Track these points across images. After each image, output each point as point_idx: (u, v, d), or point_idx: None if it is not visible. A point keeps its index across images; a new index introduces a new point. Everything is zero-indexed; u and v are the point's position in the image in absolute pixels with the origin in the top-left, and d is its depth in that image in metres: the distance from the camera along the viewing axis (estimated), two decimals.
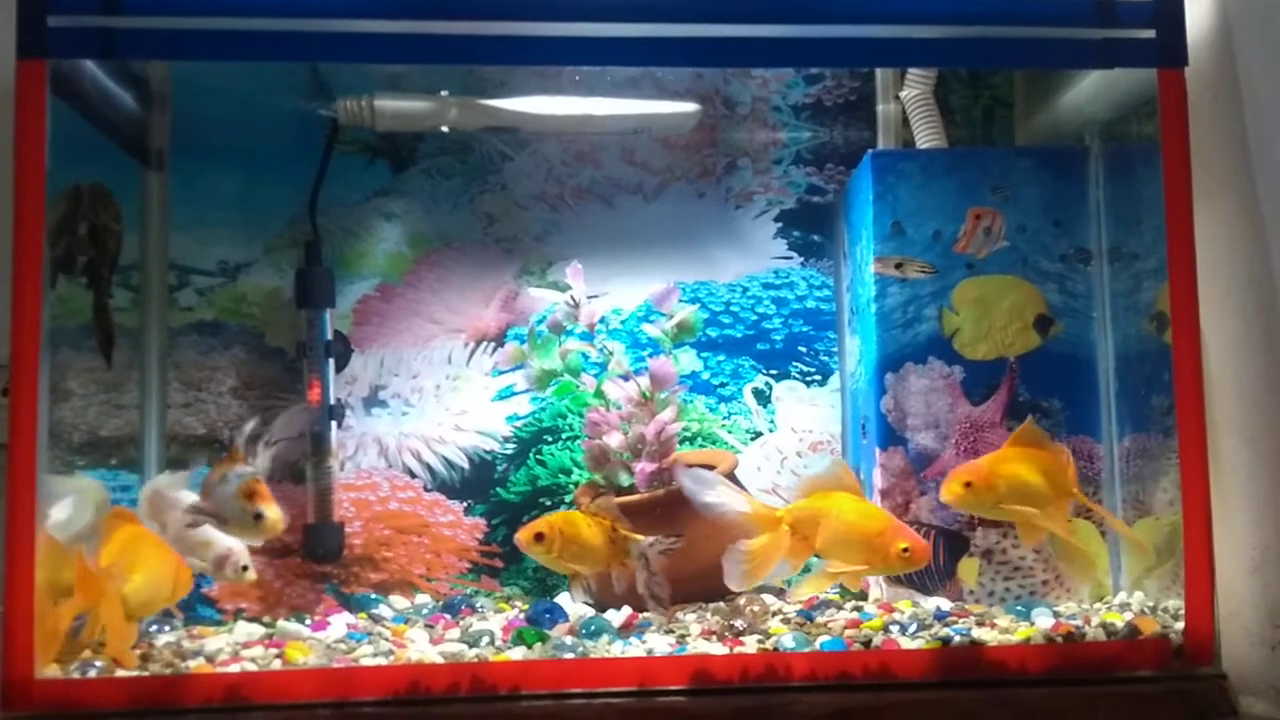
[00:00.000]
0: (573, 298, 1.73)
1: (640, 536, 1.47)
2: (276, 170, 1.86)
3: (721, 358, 1.93)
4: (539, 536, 1.45)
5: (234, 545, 1.50)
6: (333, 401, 1.79)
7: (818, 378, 1.93)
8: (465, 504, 1.87)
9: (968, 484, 1.40)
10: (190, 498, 1.48)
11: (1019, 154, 1.74)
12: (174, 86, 1.81)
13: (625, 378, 1.72)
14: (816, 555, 1.43)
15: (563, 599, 1.66)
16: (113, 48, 1.36)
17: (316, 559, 1.77)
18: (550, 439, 1.90)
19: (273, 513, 1.38)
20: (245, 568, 1.51)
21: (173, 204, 1.83)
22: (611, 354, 1.75)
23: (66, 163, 1.39)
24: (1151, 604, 1.55)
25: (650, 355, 1.79)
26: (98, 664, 1.33)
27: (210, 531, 1.47)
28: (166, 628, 1.57)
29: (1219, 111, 1.45)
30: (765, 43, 1.43)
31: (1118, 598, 1.62)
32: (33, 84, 1.30)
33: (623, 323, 1.91)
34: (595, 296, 1.73)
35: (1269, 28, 1.39)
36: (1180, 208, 1.39)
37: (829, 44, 1.44)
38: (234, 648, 1.41)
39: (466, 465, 1.88)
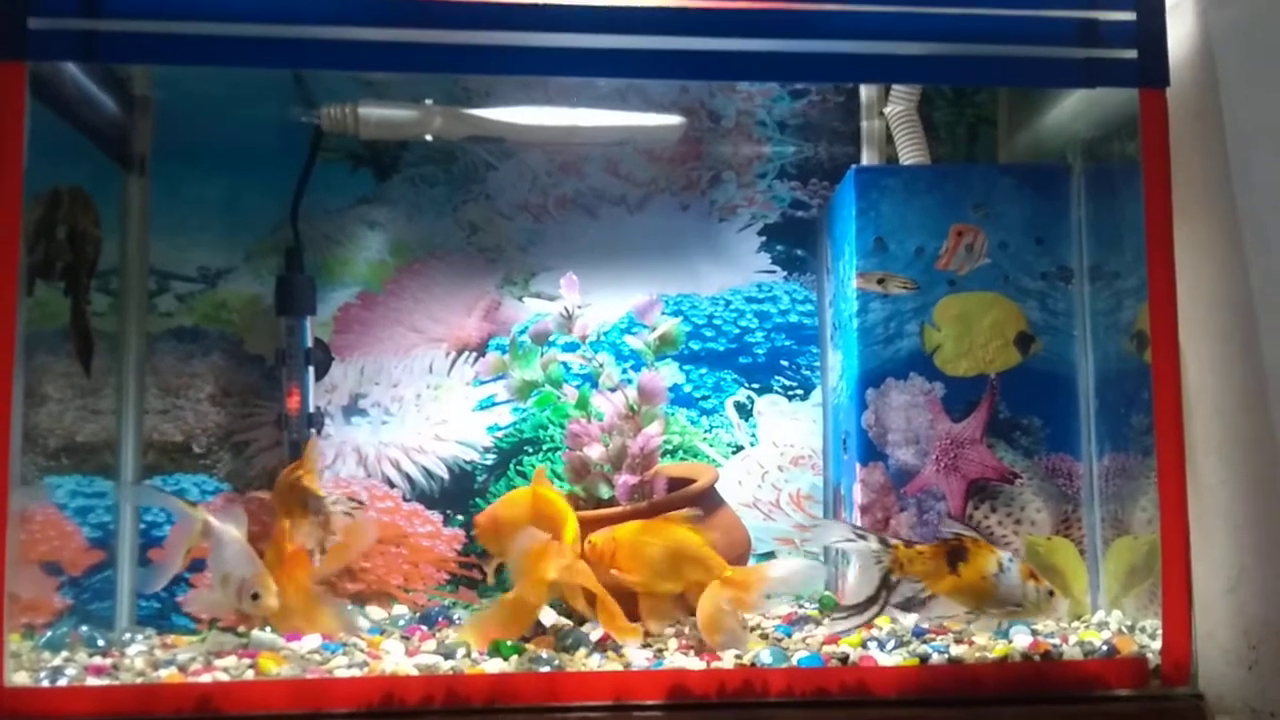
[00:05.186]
0: (566, 308, 1.73)
1: (322, 492, 1.45)
2: (259, 176, 1.85)
3: (704, 371, 1.93)
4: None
5: (246, 573, 1.44)
6: (312, 410, 1.78)
7: (800, 392, 1.93)
8: (444, 514, 1.86)
9: None
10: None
11: (1002, 171, 1.75)
12: (156, 90, 1.80)
13: (614, 390, 1.72)
14: None
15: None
16: (93, 51, 1.35)
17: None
18: (531, 450, 1.89)
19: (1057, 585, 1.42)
20: (256, 596, 1.43)
21: (154, 209, 1.82)
22: (601, 366, 1.74)
23: (46, 165, 1.38)
24: (1129, 623, 1.55)
25: (633, 368, 1.79)
26: (68, 672, 1.32)
27: (228, 558, 1.45)
28: (140, 637, 1.56)
29: (1200, 132, 1.45)
30: (750, 57, 1.43)
31: (1096, 616, 1.62)
32: (12, 86, 1.29)
33: (604, 334, 1.90)
34: (584, 307, 1.73)
35: (1250, 50, 1.40)
36: (1161, 227, 1.40)
37: (814, 59, 1.44)
38: (206, 657, 1.40)
39: (446, 475, 1.87)
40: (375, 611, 1.76)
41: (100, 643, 1.49)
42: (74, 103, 1.58)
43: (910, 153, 1.82)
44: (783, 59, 1.44)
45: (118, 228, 1.77)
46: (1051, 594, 1.40)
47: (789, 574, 1.47)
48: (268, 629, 1.49)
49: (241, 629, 1.56)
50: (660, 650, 1.43)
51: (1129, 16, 1.43)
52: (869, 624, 1.43)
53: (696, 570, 1.44)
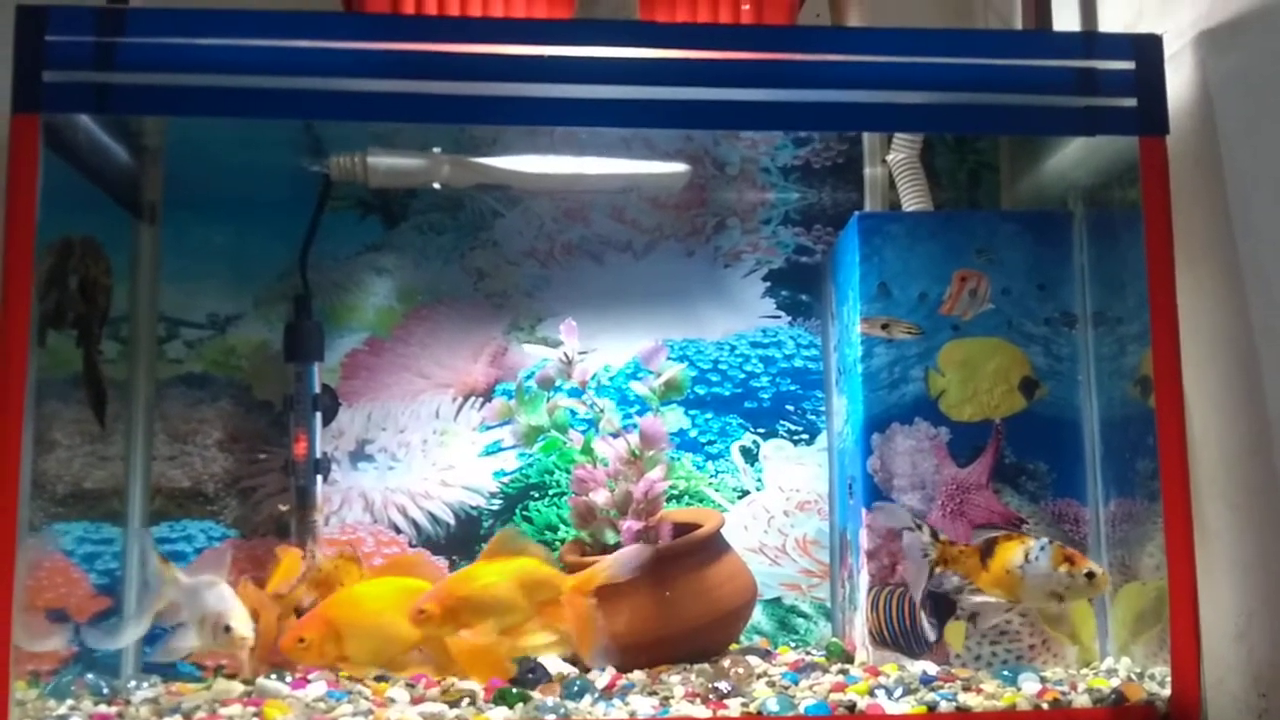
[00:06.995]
0: (565, 354, 1.74)
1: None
2: (268, 224, 1.87)
3: (709, 416, 1.93)
4: None
5: (221, 608, 1.42)
6: (319, 455, 1.78)
7: (805, 437, 1.93)
8: (450, 560, 1.86)
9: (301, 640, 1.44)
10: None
11: (1004, 218, 1.76)
12: (168, 140, 1.82)
13: (615, 435, 1.72)
14: None
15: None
16: (107, 103, 1.37)
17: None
18: (537, 495, 1.89)
19: (1100, 568, 1.44)
20: (228, 629, 1.41)
21: (164, 256, 1.83)
22: (603, 411, 1.75)
23: (59, 215, 1.40)
24: (1138, 670, 1.54)
25: (638, 413, 1.79)
26: (73, 718, 1.31)
27: (205, 599, 1.43)
28: (145, 684, 1.55)
29: (1201, 178, 1.47)
30: (754, 106, 1.45)
31: (1104, 663, 1.61)
32: (27, 138, 1.32)
33: (611, 379, 1.91)
34: (586, 353, 1.74)
35: (1248, 97, 1.42)
36: (1162, 272, 1.41)
37: (817, 108, 1.46)
38: (212, 705, 1.39)
39: (452, 521, 1.87)
40: None
41: (106, 690, 1.48)
42: (86, 152, 1.60)
43: (913, 199, 1.83)
44: (786, 108, 1.46)
45: (128, 275, 1.78)
46: (1092, 575, 1.41)
47: (620, 560, 1.49)
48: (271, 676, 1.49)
49: (242, 676, 1.56)
50: (666, 698, 1.42)
51: (1128, 65, 1.45)
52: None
53: (544, 590, 1.46)
